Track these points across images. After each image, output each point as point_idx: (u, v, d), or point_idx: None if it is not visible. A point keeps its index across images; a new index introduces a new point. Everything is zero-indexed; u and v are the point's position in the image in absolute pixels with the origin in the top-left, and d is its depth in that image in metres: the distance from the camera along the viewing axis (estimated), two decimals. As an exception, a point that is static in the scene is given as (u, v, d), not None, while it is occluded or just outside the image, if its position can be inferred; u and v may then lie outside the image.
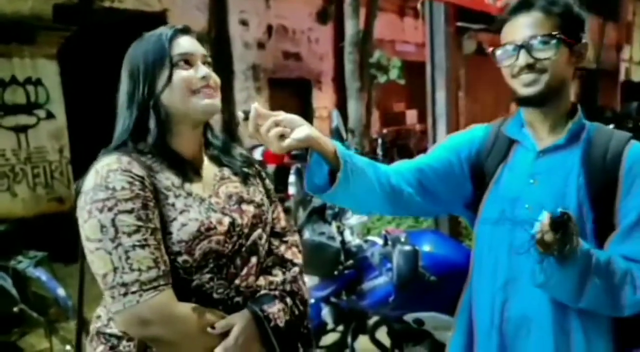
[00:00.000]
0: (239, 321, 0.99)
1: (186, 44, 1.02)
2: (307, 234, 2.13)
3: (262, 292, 1.06)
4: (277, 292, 1.07)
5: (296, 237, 1.21)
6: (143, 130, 1.01)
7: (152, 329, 0.92)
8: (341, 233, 2.15)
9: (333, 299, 2.16)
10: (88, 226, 0.92)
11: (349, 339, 2.20)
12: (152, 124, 1.00)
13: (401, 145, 8.97)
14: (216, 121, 7.45)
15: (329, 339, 2.34)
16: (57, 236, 3.75)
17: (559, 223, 0.88)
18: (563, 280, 0.96)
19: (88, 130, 5.10)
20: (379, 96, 8.83)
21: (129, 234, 0.91)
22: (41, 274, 2.69)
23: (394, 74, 8.01)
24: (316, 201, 2.38)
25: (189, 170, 1.04)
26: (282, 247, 1.15)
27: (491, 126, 1.23)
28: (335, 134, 2.29)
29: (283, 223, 1.19)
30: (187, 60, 1.01)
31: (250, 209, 1.08)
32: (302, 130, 0.94)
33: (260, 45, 7.76)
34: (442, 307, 1.96)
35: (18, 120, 4.98)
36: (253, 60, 7.64)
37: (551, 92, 1.06)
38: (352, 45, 6.28)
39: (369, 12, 6.93)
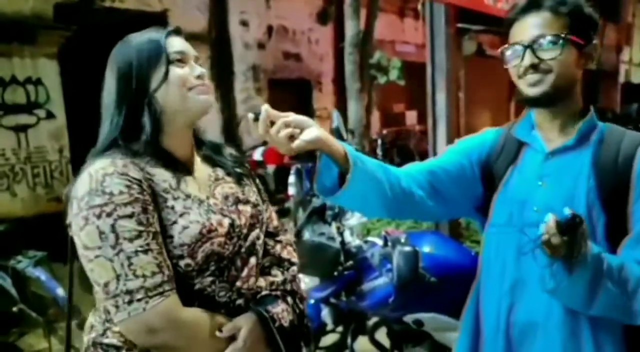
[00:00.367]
0: (245, 323, 0.98)
1: (179, 43, 1.01)
2: (307, 235, 2.13)
3: (264, 293, 1.05)
4: (278, 293, 1.07)
5: (289, 236, 1.20)
6: (134, 130, 0.97)
7: (160, 336, 0.90)
8: (341, 234, 2.15)
9: (333, 300, 2.16)
10: (85, 233, 0.89)
11: (349, 340, 2.20)
12: (146, 122, 0.97)
13: (401, 146, 8.97)
14: (216, 121, 7.48)
15: (328, 339, 2.33)
16: (56, 235, 3.74)
17: (567, 226, 0.85)
18: (573, 285, 0.93)
19: (88, 130, 5.10)
20: (379, 97, 8.83)
21: (131, 240, 0.89)
22: (40, 274, 2.69)
23: (394, 74, 8.00)
24: (316, 202, 2.38)
25: (183, 171, 1.02)
26: (278, 247, 1.15)
27: (502, 129, 1.21)
28: (336, 135, 2.29)
29: (275, 223, 1.18)
30: (182, 59, 1.00)
31: (247, 209, 1.07)
32: (311, 131, 0.94)
33: (261, 46, 7.76)
34: (442, 308, 1.96)
35: (18, 119, 4.98)
36: (253, 61, 7.64)
37: (558, 93, 1.04)
38: (352, 46, 6.28)
39: (369, 13, 6.93)
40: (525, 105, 1.10)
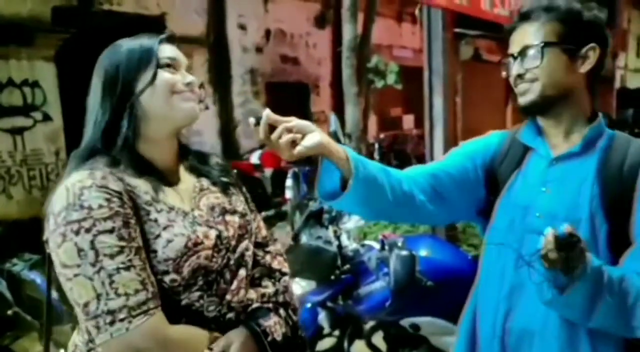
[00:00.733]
0: (236, 338, 0.95)
1: (172, 51, 0.99)
2: (304, 239, 2.13)
3: (255, 305, 1.02)
4: (270, 305, 1.03)
5: (278, 246, 1.16)
6: (115, 134, 0.93)
7: None
8: (338, 237, 2.15)
9: (329, 304, 2.15)
10: (63, 250, 0.84)
11: (345, 344, 2.20)
12: (123, 127, 0.92)
13: (398, 150, 8.99)
14: (213, 124, 7.47)
15: (325, 343, 2.33)
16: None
17: (564, 243, 0.84)
18: (571, 298, 0.91)
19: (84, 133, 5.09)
20: (377, 101, 8.86)
21: (112, 256, 0.84)
22: (36, 277, 2.67)
23: (391, 79, 8.04)
24: (313, 205, 2.38)
25: (164, 181, 0.97)
26: (268, 257, 1.11)
27: (507, 133, 1.20)
28: (333, 139, 2.29)
29: (264, 232, 1.14)
30: (173, 66, 0.97)
31: (235, 219, 1.03)
32: (313, 137, 0.93)
33: (259, 50, 7.78)
34: (439, 312, 1.96)
35: (14, 122, 4.97)
36: (251, 65, 7.66)
37: (548, 101, 1.04)
38: (349, 50, 6.29)
39: (366, 17, 6.95)
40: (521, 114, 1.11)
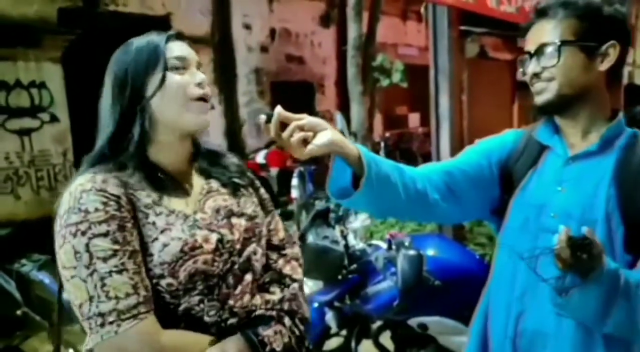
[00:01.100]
0: (231, 347, 0.91)
1: (180, 48, 0.96)
2: (310, 238, 2.12)
3: (258, 312, 0.98)
4: (274, 313, 0.99)
5: (296, 250, 1.12)
6: (124, 139, 0.93)
7: None
8: (345, 237, 2.15)
9: (337, 304, 2.15)
10: (63, 252, 0.86)
11: (353, 344, 2.19)
12: (135, 132, 0.92)
13: (404, 148, 8.97)
14: (219, 124, 7.49)
15: (332, 343, 2.32)
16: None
17: (578, 244, 0.83)
18: (585, 301, 0.89)
19: (92, 133, 5.11)
20: (382, 99, 8.84)
21: (105, 259, 0.84)
22: (44, 278, 2.69)
23: (396, 77, 8.02)
24: (319, 205, 2.37)
25: (171, 185, 0.96)
26: (281, 261, 1.07)
27: (524, 131, 1.18)
28: (339, 138, 2.29)
29: (281, 235, 1.10)
30: (181, 66, 0.95)
31: (241, 222, 1.00)
32: (324, 135, 0.91)
33: (264, 49, 7.78)
34: (447, 311, 1.95)
35: (22, 123, 5.00)
36: (256, 64, 7.66)
37: (565, 100, 1.02)
38: (355, 49, 6.28)
39: (371, 16, 6.93)
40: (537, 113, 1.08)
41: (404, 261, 1.83)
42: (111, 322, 0.83)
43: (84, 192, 0.87)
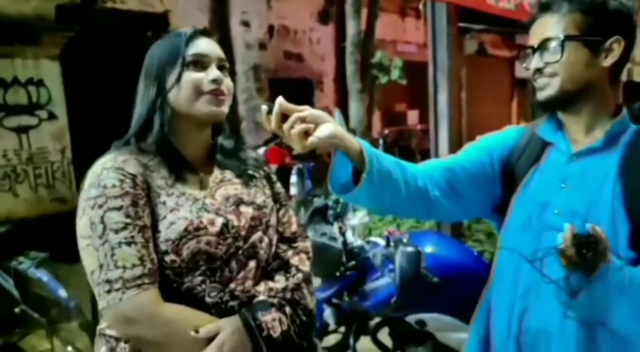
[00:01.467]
0: (226, 327, 0.95)
1: (203, 45, 1.02)
2: (308, 235, 2.13)
3: (260, 298, 1.01)
4: (275, 300, 1.01)
5: (307, 244, 1.15)
6: (150, 127, 1.01)
7: (135, 327, 0.91)
8: (343, 234, 2.15)
9: (335, 300, 2.16)
10: (82, 223, 0.93)
11: (351, 340, 2.20)
12: (156, 122, 1.00)
13: (403, 145, 8.96)
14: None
15: (330, 340, 2.33)
16: (59, 236, 3.75)
17: (583, 242, 0.82)
18: (589, 298, 0.88)
19: (90, 130, 5.10)
20: (381, 96, 8.83)
21: (116, 231, 0.91)
22: (42, 275, 2.69)
23: (395, 74, 8.01)
24: (318, 202, 2.38)
25: (186, 170, 1.02)
26: (290, 252, 1.11)
27: (526, 128, 1.16)
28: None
29: (294, 228, 1.14)
30: (201, 62, 1.00)
31: (249, 210, 1.04)
32: (326, 127, 0.89)
33: (262, 46, 7.76)
34: (445, 308, 1.96)
35: (20, 120, 4.99)
36: (254, 61, 7.65)
37: (568, 96, 1.00)
38: (353, 46, 6.28)
39: (370, 13, 6.93)
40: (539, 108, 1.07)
41: (402, 257, 1.84)
42: (117, 290, 0.90)
43: (104, 169, 0.95)
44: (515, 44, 10.83)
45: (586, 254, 0.83)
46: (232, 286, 0.99)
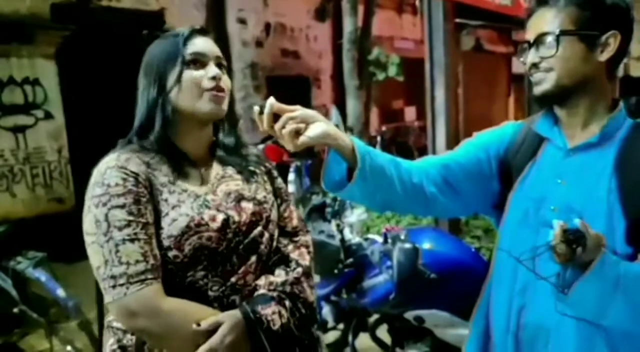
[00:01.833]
0: (227, 319, 0.97)
1: (200, 44, 1.04)
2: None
3: (260, 291, 1.03)
4: (275, 294, 1.03)
5: (308, 238, 1.17)
6: (152, 126, 1.03)
7: (139, 321, 0.93)
8: (341, 231, 2.15)
9: (333, 298, 2.16)
10: (87, 220, 0.96)
11: (350, 337, 2.21)
12: (157, 120, 1.02)
13: (400, 142, 8.97)
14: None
15: (329, 337, 2.34)
16: (56, 236, 3.74)
17: (573, 237, 0.82)
18: (586, 294, 0.89)
19: (87, 130, 5.08)
20: (378, 93, 8.82)
21: (120, 228, 0.93)
22: (41, 275, 2.69)
23: (392, 71, 8.00)
24: (315, 199, 2.38)
25: (188, 167, 1.04)
26: (290, 247, 1.13)
27: (523, 123, 1.16)
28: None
29: (295, 222, 1.17)
30: (200, 61, 1.02)
31: (249, 206, 1.06)
32: (317, 126, 0.90)
33: (259, 44, 7.74)
34: (443, 304, 1.96)
35: (16, 120, 4.96)
36: (251, 59, 7.63)
37: (564, 91, 1.00)
38: (350, 43, 6.27)
39: (367, 9, 6.91)
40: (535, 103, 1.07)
41: (399, 254, 1.84)
42: (121, 285, 0.92)
43: (108, 168, 0.98)
44: (512, 39, 10.84)
45: (576, 249, 0.84)
46: (233, 280, 1.01)
